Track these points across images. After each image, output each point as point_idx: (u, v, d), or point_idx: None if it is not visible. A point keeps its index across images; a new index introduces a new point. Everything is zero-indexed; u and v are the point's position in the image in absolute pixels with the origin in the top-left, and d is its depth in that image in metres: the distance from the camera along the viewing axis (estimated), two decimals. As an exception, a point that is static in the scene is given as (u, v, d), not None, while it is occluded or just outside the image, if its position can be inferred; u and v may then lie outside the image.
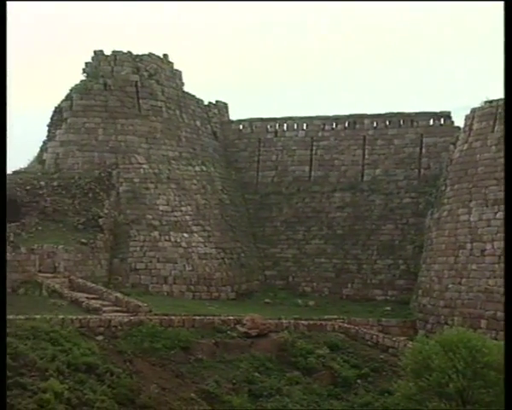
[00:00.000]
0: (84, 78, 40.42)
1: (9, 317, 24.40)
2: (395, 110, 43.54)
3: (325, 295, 40.80)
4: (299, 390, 24.96)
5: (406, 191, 41.69)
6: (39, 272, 31.79)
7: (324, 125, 44.71)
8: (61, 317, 25.79)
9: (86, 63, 40.76)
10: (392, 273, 40.33)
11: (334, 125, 44.58)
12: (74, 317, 26.22)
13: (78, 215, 36.85)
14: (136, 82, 40.58)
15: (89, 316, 26.94)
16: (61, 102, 40.05)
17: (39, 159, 39.88)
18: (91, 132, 39.36)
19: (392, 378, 25.27)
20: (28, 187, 37.10)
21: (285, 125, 45.55)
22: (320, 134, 44.68)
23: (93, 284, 32.69)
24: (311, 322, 29.83)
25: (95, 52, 40.84)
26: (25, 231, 34.38)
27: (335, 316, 32.68)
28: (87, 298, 30.05)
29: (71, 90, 40.00)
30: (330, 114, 45.07)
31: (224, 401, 23.48)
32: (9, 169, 39.44)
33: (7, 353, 21.81)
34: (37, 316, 25.29)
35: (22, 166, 39.92)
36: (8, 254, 29.84)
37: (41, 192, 37.09)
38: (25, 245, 31.50)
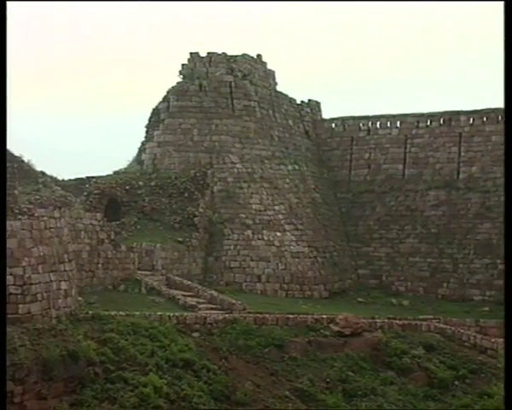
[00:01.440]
0: (180, 79, 41.42)
1: (111, 313, 25.46)
2: (492, 106, 42.43)
3: (420, 295, 40.26)
4: (394, 391, 24.83)
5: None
6: (138, 269, 32.78)
7: (418, 122, 44.09)
8: (159, 314, 26.61)
9: (182, 65, 41.74)
10: (490, 273, 39.42)
11: (428, 123, 43.90)
12: (171, 314, 26.97)
13: (174, 214, 37.78)
14: (231, 82, 41.23)
15: (185, 313, 27.64)
16: (159, 103, 41.18)
17: (138, 159, 41.14)
18: (187, 133, 40.29)
19: (492, 381, 24.78)
20: (127, 187, 38.34)
21: (378, 123, 45.17)
22: (414, 132, 44.09)
23: (189, 282, 33.48)
24: (406, 322, 29.56)
25: (191, 54, 41.76)
26: (124, 230, 35.56)
27: (431, 316, 32.21)
28: (183, 295, 30.81)
29: (168, 92, 41.07)
30: (424, 111, 44.42)
31: (318, 400, 23.63)
32: (110, 170, 41.06)
33: (109, 347, 22.79)
34: (137, 312, 26.18)
35: (122, 167, 41.30)
36: (109, 252, 30.98)
37: (139, 192, 38.25)
38: (124, 243, 32.50)
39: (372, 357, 26.60)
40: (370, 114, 45.61)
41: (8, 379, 19.78)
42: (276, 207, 40.07)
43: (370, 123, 45.34)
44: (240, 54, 41.93)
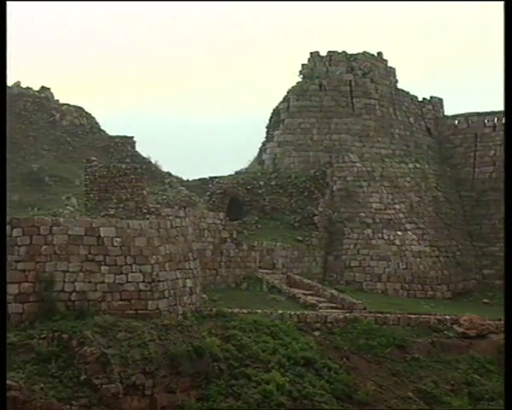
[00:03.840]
0: (300, 79, 41.65)
1: (234, 310, 26.03)
2: None
3: (549, 297, 38.60)
4: (523, 396, 23.97)
5: None
6: (259, 268, 33.25)
7: (547, 117, 42.28)
8: (280, 312, 26.93)
9: (302, 65, 41.96)
10: None
11: (558, 117, 42.01)
12: (292, 312, 27.23)
13: (294, 213, 38.07)
14: (350, 81, 41.05)
15: (306, 312, 27.81)
16: (279, 103, 41.58)
17: (259, 159, 41.72)
18: (307, 132, 40.46)
19: None
20: (249, 187, 38.98)
21: (504, 119, 43.65)
22: (543, 127, 42.32)
23: (309, 281, 33.63)
24: (535, 325, 28.45)
25: (311, 53, 41.91)
26: (246, 229, 36.18)
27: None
28: (304, 294, 30.98)
29: (288, 92, 41.40)
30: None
31: (443, 402, 23.22)
32: (232, 170, 41.91)
33: (232, 344, 23.30)
34: (259, 310, 26.62)
35: (243, 167, 42.05)
36: (231, 250, 31.62)
37: (260, 191, 38.80)
38: (246, 242, 33.08)
39: (499, 360, 25.79)
40: (496, 110, 44.11)
41: (138, 372, 20.69)
42: (397, 206, 39.54)
43: (496, 119, 43.87)
44: (360, 52, 41.67)
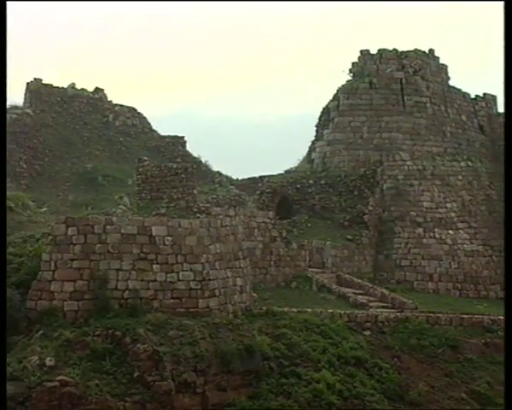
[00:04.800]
0: (350, 78, 41.49)
1: (284, 309, 26.10)
2: None
3: None
4: None
5: None
6: (309, 267, 33.24)
7: None
8: (329, 311, 26.89)
9: (353, 63, 41.79)
10: None
11: None
12: (342, 311, 27.17)
13: (344, 212, 37.95)
14: (401, 79, 40.70)
15: (356, 311, 27.71)
16: (329, 102, 41.47)
17: (308, 158, 41.71)
18: (356, 131, 40.28)
19: None
20: (298, 185, 39.03)
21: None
22: None
23: (359, 280, 33.48)
24: None
25: (361, 52, 41.71)
26: (295, 228, 36.20)
27: None
28: (354, 293, 30.87)
29: (338, 91, 41.26)
30: None
31: (497, 404, 22.90)
32: (281, 169, 42.01)
33: (283, 343, 23.36)
34: (309, 309, 26.63)
35: (293, 166, 42.08)
36: (281, 249, 31.69)
37: (310, 190, 38.80)
38: (296, 241, 33.10)
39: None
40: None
41: (190, 370, 20.92)
42: (448, 205, 39.07)
43: (552, 116, 42.93)
44: (411, 49, 41.27)
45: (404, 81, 40.67)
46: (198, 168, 41.23)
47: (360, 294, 31.07)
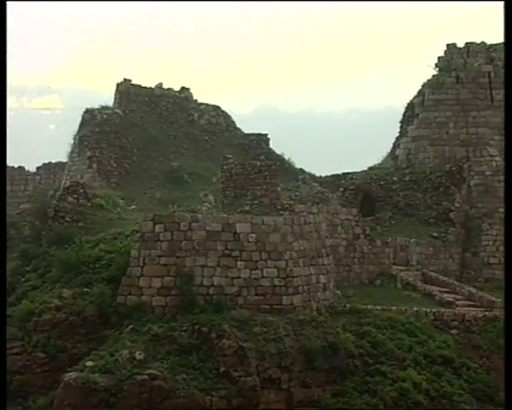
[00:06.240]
0: (436, 72, 40.77)
1: (368, 307, 25.96)
2: None
3: None
4: None
5: None
6: (393, 264, 32.91)
7: None
8: (415, 309, 26.58)
9: (439, 57, 41.04)
10: None
11: None
12: (428, 310, 26.82)
13: (429, 209, 37.37)
14: (489, 72, 39.74)
15: (442, 309, 27.29)
16: (413, 98, 40.88)
17: (392, 155, 41.22)
18: (442, 126, 39.56)
19: None
20: (382, 182, 38.65)
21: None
22: None
23: (445, 278, 32.92)
24: None
25: (447, 45, 40.92)
26: (379, 225, 35.86)
27: None
28: (440, 291, 30.38)
29: (423, 86, 40.63)
30: None
31: None
32: (365, 165, 41.71)
33: (367, 340, 23.26)
34: (393, 307, 26.39)
35: (376, 163, 41.70)
36: (364, 246, 31.49)
37: (394, 187, 38.36)
38: (379, 238, 32.81)
39: None
40: None
41: (274, 366, 21.10)
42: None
43: None
44: (500, 42, 40.18)
45: (492, 75, 39.70)
46: (281, 166, 41.39)
47: (446, 292, 30.56)
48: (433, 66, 41.06)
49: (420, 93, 40.57)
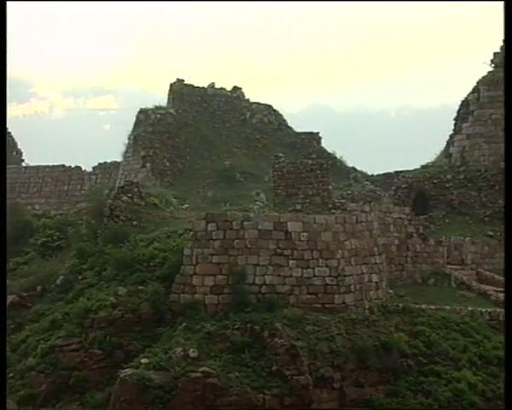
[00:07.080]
0: (491, 69, 40.07)
1: (421, 306, 25.68)
2: None
3: None
4: None
5: None
6: (447, 263, 32.47)
7: None
8: (469, 309, 26.18)
9: (494, 53, 40.32)
10: None
11: None
12: (483, 309, 26.37)
13: (483, 208, 36.80)
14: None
15: (498, 309, 26.78)
16: (468, 95, 40.25)
17: (446, 153, 40.66)
18: (498, 124, 38.76)
19: None
20: (435, 181, 38.18)
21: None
22: None
23: (501, 277, 32.30)
24: None
25: (504, 41, 40.13)
26: (433, 224, 35.45)
27: None
28: (495, 291, 29.83)
29: (478, 83, 39.97)
30: None
31: None
32: (418, 164, 41.24)
33: (421, 340, 23.02)
34: (447, 307, 26.03)
35: (429, 161, 41.20)
36: (417, 245, 31.11)
37: (447, 185, 37.87)
38: (433, 237, 32.41)
39: None
40: None
41: (327, 365, 21.08)
42: None
43: None
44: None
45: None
46: (333, 164, 41.20)
47: (502, 292, 30.01)
48: (489, 62, 40.39)
49: (475, 90, 39.91)
